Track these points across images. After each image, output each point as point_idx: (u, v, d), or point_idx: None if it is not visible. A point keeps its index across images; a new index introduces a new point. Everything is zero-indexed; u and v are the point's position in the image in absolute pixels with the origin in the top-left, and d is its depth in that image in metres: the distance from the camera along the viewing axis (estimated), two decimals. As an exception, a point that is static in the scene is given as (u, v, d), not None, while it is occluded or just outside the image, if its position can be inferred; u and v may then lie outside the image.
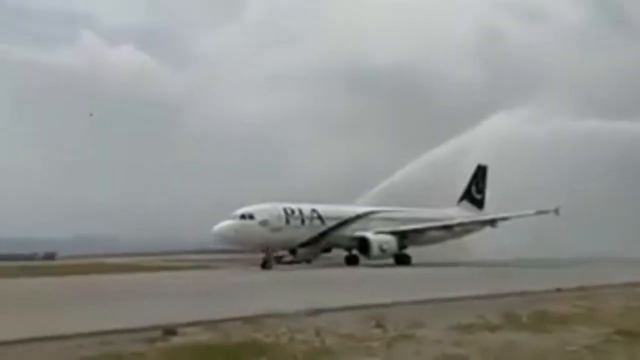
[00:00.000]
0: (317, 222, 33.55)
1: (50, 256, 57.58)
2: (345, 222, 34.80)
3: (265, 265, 30.30)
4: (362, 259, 35.22)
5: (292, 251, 34.69)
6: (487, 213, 42.88)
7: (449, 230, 38.08)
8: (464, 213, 41.80)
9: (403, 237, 35.07)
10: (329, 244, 34.89)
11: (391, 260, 35.02)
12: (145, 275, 26.28)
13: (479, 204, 44.59)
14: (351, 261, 36.07)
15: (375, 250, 32.54)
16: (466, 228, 39.91)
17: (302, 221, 32.71)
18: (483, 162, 45.29)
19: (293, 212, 32.46)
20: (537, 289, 14.26)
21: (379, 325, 8.38)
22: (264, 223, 30.36)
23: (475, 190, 44.54)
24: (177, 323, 8.24)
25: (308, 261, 38.87)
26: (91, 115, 64.25)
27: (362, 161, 57.77)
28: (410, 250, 35.80)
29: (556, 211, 32.61)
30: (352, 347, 6.98)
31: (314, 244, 34.40)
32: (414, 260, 34.65)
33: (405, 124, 62.60)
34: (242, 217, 30.04)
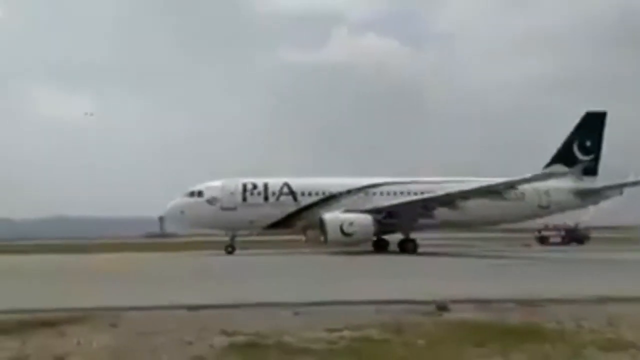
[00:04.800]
0: (287, 198, 27.71)
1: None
2: (331, 197, 28.10)
3: (227, 249, 26.87)
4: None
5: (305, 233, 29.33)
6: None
7: (479, 210, 27.35)
8: (548, 183, 28.99)
9: (391, 217, 26.82)
10: (308, 225, 28.03)
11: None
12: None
13: (588, 169, 31.02)
14: (380, 246, 29.33)
15: (332, 233, 25.29)
16: (540, 208, 29.49)
17: (266, 198, 27.46)
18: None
19: (255, 187, 27.46)
20: None
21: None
22: (212, 201, 26.68)
23: (579, 149, 31.62)
24: (449, 299, 8.34)
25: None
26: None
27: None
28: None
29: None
30: (659, 344, 5.86)
31: (290, 226, 28.49)
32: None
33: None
34: (191, 194, 26.94)
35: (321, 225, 26.00)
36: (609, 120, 32.28)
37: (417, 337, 6.09)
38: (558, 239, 39.71)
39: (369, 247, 29.28)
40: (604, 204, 32.38)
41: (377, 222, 26.17)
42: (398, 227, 27.69)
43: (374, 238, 28.74)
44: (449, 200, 26.85)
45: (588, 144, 31.86)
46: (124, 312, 7.93)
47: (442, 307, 7.93)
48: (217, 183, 27.55)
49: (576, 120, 32.56)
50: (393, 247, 28.85)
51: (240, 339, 6.13)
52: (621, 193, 31.47)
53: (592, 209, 33.02)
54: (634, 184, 30.38)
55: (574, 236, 39.93)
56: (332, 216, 26.04)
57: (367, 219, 25.92)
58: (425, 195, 27.50)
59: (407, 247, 27.07)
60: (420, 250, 27.04)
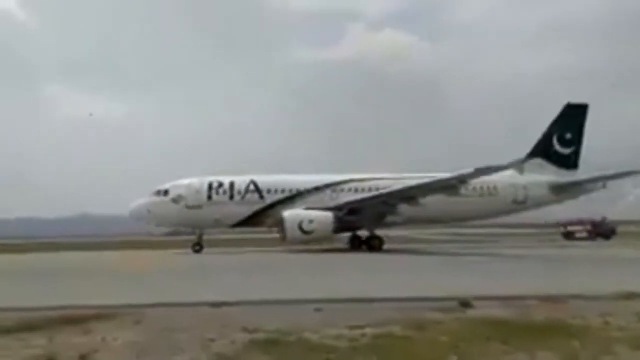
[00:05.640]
0: (253, 197, 27.56)
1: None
2: (298, 195, 27.71)
3: (194, 247, 27.02)
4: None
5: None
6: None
7: (444, 205, 26.47)
8: (525, 178, 28.46)
9: (352, 214, 26.27)
10: (275, 223, 27.10)
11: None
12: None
13: (568, 162, 30.43)
14: (356, 244, 28.67)
15: (291, 231, 24.93)
16: (515, 203, 28.57)
17: (232, 197, 27.38)
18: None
19: (221, 185, 27.47)
20: None
21: None
22: (177, 200, 26.78)
23: (559, 141, 30.55)
24: (472, 296, 8.24)
25: None
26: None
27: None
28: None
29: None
30: (692, 342, 5.70)
31: (257, 224, 28.28)
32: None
33: None
34: (158, 193, 27.08)
35: (281, 223, 25.66)
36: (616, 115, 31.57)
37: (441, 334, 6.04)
38: (584, 234, 38.96)
39: (339, 245, 29.27)
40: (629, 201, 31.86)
41: (339, 219, 25.75)
42: (361, 224, 27.34)
43: (351, 234, 28.86)
44: (405, 196, 26.23)
45: (568, 136, 30.75)
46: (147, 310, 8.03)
47: (465, 303, 7.84)
48: (183, 182, 27.69)
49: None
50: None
51: (261, 336, 6.15)
52: (604, 187, 30.32)
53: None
54: (616, 177, 29.46)
55: (600, 231, 39.14)
56: (291, 214, 25.70)
57: (328, 216, 25.55)
58: (377, 192, 26.91)
59: (373, 244, 26.58)
60: (386, 247, 26.37)
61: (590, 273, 14.08)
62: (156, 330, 6.63)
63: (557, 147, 30.64)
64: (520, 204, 29.40)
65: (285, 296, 9.24)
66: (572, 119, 30.93)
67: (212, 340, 6.02)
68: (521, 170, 24.66)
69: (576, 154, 30.83)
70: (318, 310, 7.63)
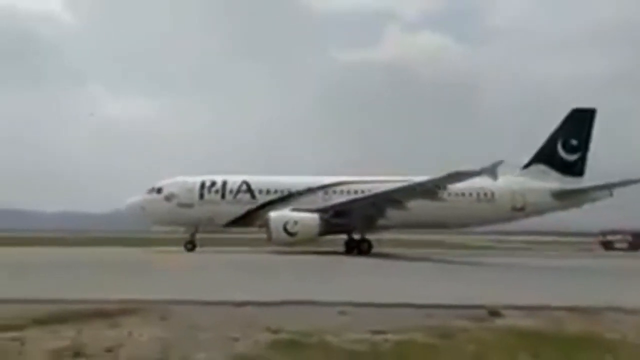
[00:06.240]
0: (245, 196, 27.45)
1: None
2: (290, 196, 27.50)
3: (186, 246, 26.65)
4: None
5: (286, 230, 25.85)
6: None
7: (429, 209, 25.65)
8: (525, 184, 28.78)
9: (338, 216, 25.74)
10: (264, 223, 26.24)
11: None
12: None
13: (573, 169, 29.65)
14: (351, 247, 27.69)
15: (276, 232, 24.62)
16: (514, 210, 28.20)
17: (223, 196, 27.32)
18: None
19: (213, 184, 27.46)
20: None
21: None
22: (169, 197, 26.84)
23: (563, 147, 29.75)
24: (500, 305, 8.01)
25: None
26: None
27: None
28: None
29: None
30: None
31: (249, 224, 28.00)
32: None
33: None
34: (151, 191, 27.22)
35: (267, 223, 25.49)
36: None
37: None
38: (624, 244, 37.51)
39: (337, 247, 28.83)
40: None
41: (325, 221, 25.42)
42: (350, 226, 27.00)
43: (346, 237, 28.50)
44: (387, 198, 25.69)
45: (574, 142, 29.92)
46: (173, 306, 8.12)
47: (493, 312, 7.63)
48: (177, 180, 27.83)
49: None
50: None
51: (284, 336, 6.14)
52: (611, 194, 29.31)
53: None
54: (622, 184, 28.51)
55: None
56: (277, 215, 25.50)
57: (314, 218, 25.25)
58: (361, 195, 26.75)
59: (362, 247, 26.58)
60: (374, 251, 26.34)
61: (627, 284, 13.56)
62: (181, 327, 6.70)
63: (562, 153, 29.93)
64: (519, 210, 28.88)
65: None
66: (578, 124, 30.09)
67: (236, 340, 6.04)
68: (495, 176, 23.51)
69: (582, 161, 30.06)
70: (342, 313, 7.57)
